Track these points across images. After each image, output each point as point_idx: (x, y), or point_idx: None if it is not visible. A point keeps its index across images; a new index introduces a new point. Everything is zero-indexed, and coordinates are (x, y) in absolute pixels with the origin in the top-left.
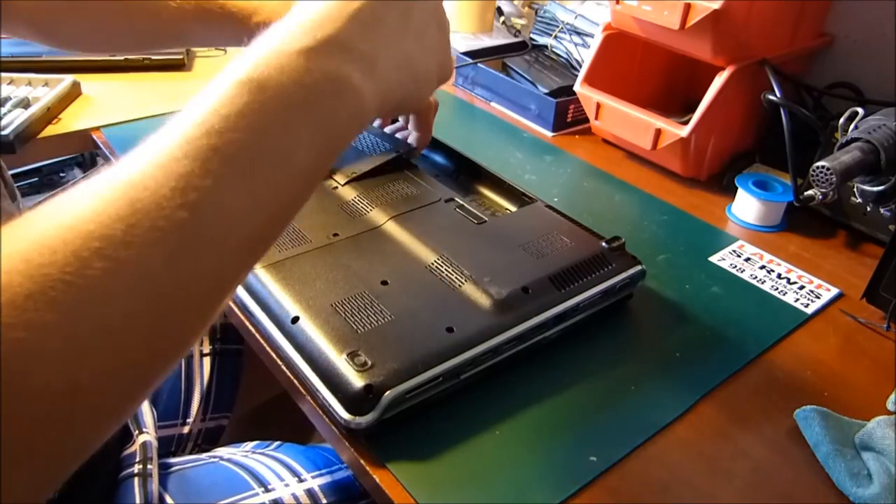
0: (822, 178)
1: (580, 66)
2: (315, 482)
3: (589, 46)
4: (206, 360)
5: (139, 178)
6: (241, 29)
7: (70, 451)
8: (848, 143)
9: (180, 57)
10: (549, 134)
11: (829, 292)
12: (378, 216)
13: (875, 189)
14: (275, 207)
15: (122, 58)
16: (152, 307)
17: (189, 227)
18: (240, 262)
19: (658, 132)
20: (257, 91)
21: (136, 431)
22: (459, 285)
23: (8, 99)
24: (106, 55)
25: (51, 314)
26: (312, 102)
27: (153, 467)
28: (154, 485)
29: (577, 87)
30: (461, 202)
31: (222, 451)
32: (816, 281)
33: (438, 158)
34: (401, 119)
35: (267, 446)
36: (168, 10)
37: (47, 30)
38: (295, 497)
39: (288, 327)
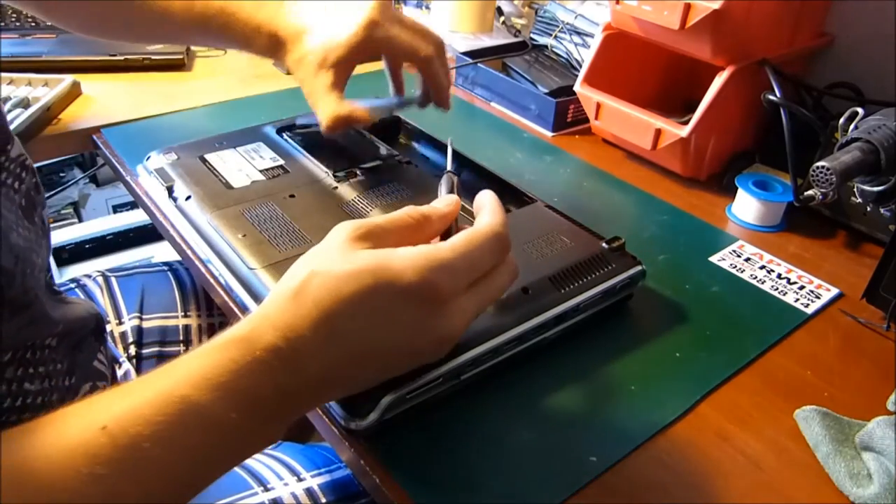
0: (822, 178)
1: (580, 66)
2: (314, 481)
3: (589, 46)
4: None
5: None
6: (244, 49)
7: None
8: (848, 143)
9: (180, 57)
10: (549, 134)
11: (829, 292)
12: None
13: (875, 189)
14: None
15: (122, 58)
16: None
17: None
18: None
19: (658, 132)
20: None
21: None
22: None
23: (8, 99)
24: (105, 55)
25: None
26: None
27: None
28: None
29: (577, 87)
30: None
31: None
32: (816, 281)
33: (439, 159)
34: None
35: None
36: (168, 25)
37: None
38: (294, 496)
39: None
